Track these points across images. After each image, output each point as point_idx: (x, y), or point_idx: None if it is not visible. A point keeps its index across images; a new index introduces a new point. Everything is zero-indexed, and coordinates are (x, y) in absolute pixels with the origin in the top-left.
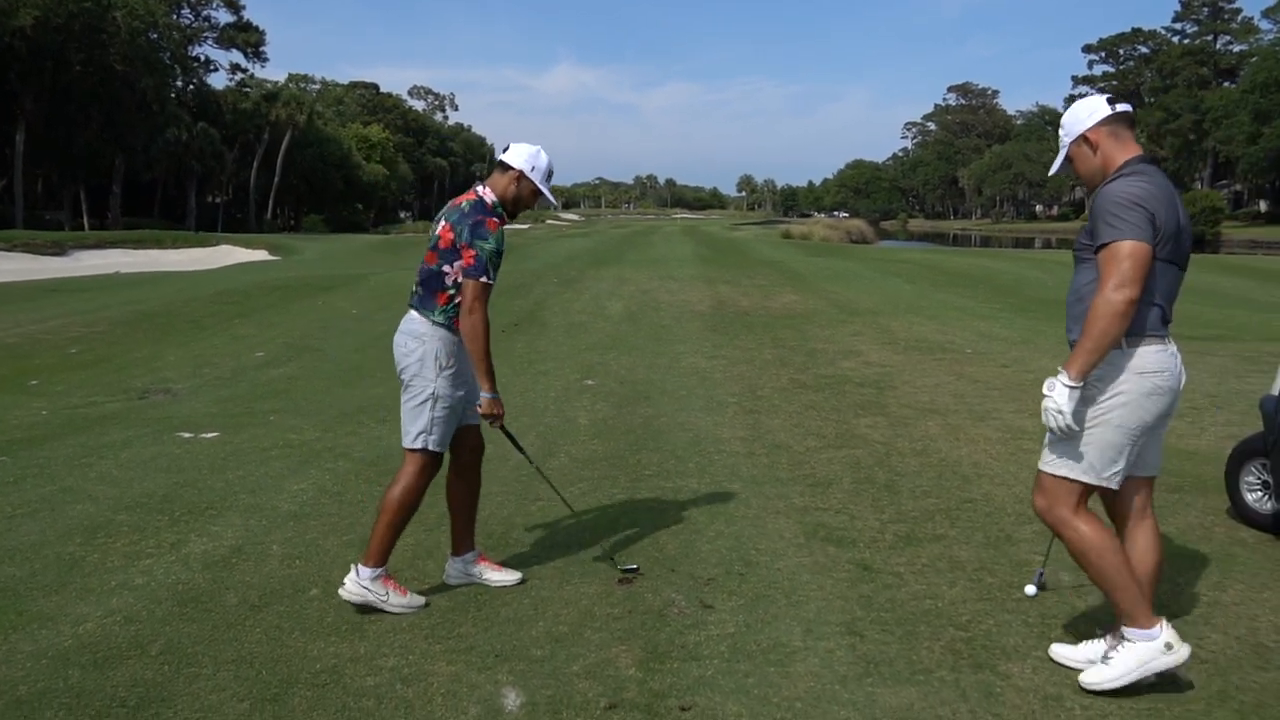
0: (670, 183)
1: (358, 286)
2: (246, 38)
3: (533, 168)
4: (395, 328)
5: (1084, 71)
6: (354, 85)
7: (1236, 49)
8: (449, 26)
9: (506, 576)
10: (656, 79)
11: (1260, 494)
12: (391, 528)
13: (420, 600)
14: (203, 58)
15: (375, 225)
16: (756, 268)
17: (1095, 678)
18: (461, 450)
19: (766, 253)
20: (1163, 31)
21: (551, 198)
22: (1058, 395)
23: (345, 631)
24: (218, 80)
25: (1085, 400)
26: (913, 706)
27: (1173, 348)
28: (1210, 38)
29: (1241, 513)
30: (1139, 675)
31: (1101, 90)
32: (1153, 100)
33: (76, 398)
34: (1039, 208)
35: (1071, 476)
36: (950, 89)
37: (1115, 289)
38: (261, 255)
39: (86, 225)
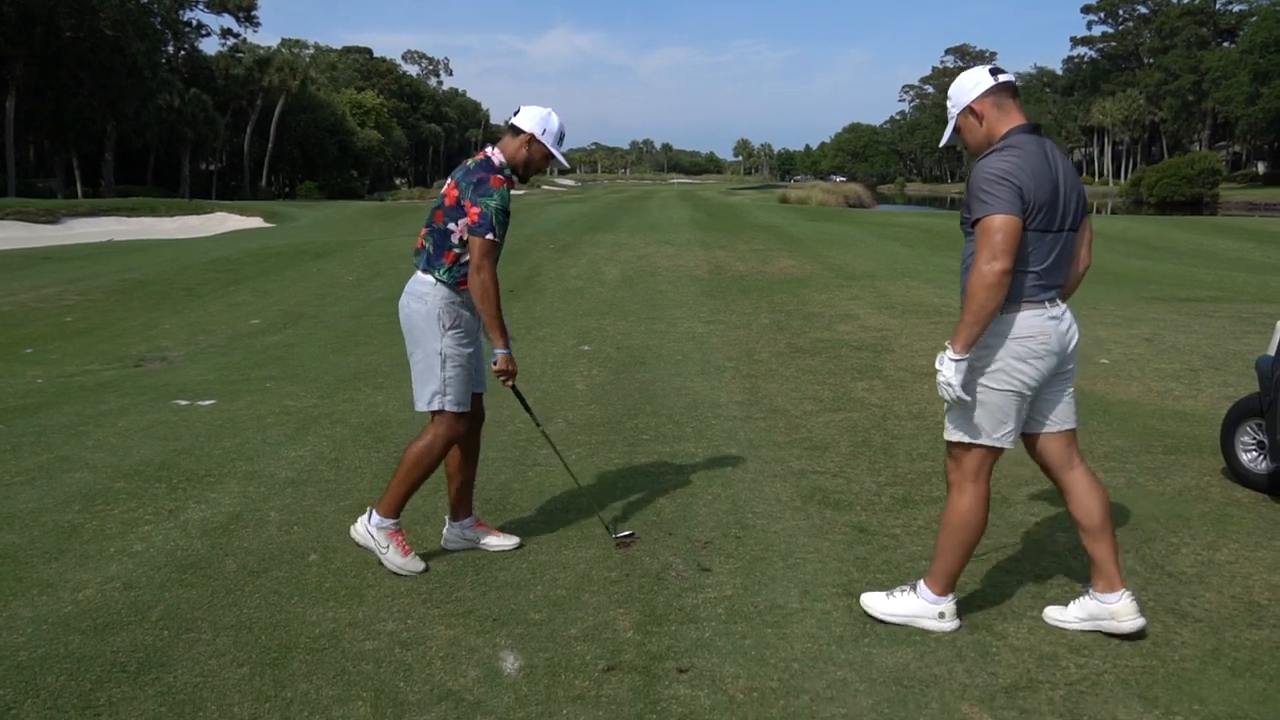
0: (667, 147)
1: (353, 253)
2: (238, 1)
3: (544, 130)
4: (391, 294)
5: (1082, 32)
6: (347, 50)
7: (1236, 9)
8: None
9: (504, 541)
10: (652, 41)
11: (1255, 454)
12: (405, 483)
13: (419, 565)
14: (194, 22)
15: (370, 192)
16: (753, 232)
17: (872, 601)
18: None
19: (763, 217)
20: None
21: (564, 160)
22: (945, 368)
23: (344, 596)
24: (209, 45)
25: (974, 369)
26: (909, 667)
27: (1054, 311)
28: None
29: (1237, 473)
30: (902, 621)
31: (1100, 52)
32: (1152, 61)
33: (72, 366)
34: None
35: (965, 441)
36: (948, 51)
37: (987, 262)
38: (256, 222)
39: (80, 192)
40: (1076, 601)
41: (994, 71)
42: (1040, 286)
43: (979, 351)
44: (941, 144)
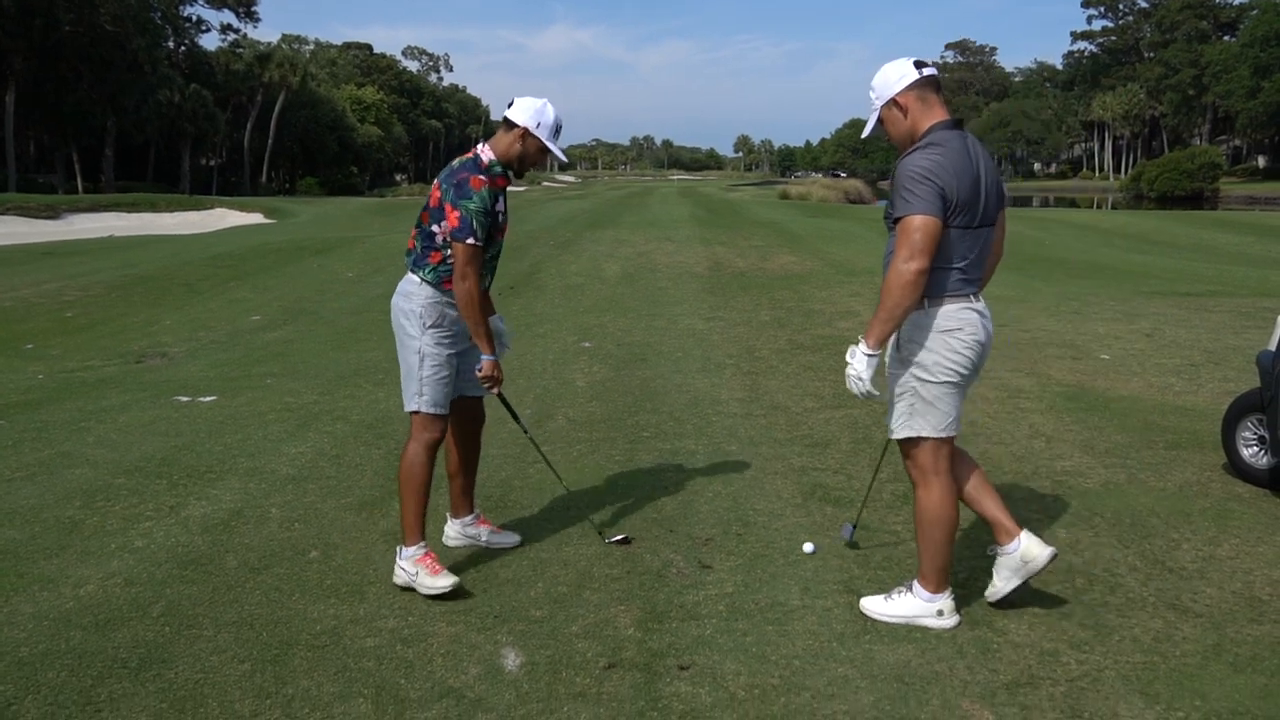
0: (667, 144)
1: (353, 249)
2: None
3: (538, 124)
4: (391, 290)
5: (1083, 26)
6: (347, 46)
7: (1237, 2)
8: None
9: (505, 539)
10: (653, 36)
11: (1256, 449)
12: (406, 503)
13: (446, 582)
14: (194, 18)
15: (370, 188)
16: (753, 229)
17: (871, 605)
18: (463, 420)
19: (763, 213)
20: None
21: (561, 154)
22: (857, 362)
23: (345, 593)
24: (209, 41)
25: (904, 363)
26: (910, 663)
27: (978, 305)
28: None
29: (1238, 468)
30: (903, 623)
31: (1101, 46)
32: (1152, 55)
33: (73, 361)
34: (1037, 166)
35: (915, 435)
36: (948, 46)
37: (905, 260)
38: (256, 218)
39: (80, 188)
40: (995, 570)
41: (918, 64)
42: (963, 281)
43: (911, 348)
44: (864, 135)
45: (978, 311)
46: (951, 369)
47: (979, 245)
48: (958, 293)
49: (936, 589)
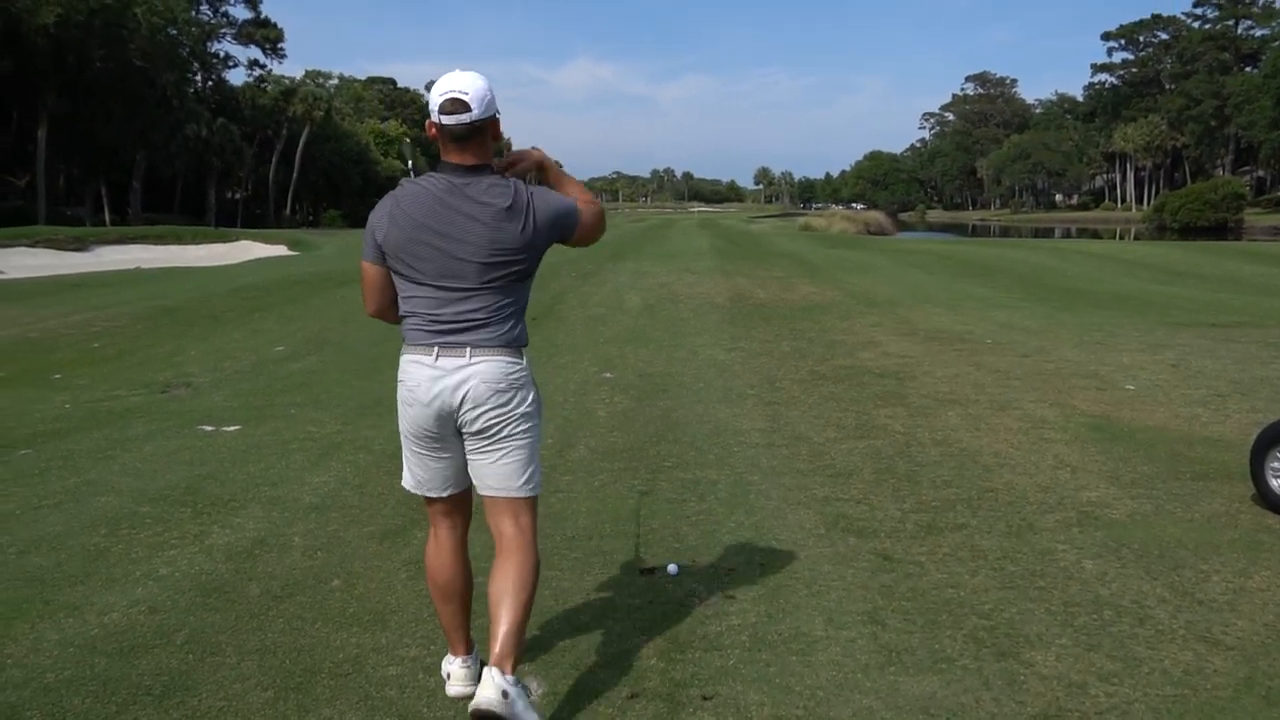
0: (687, 176)
1: None
2: (265, 34)
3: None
4: None
5: (1103, 58)
6: (372, 80)
7: (1258, 34)
8: (466, 20)
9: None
10: (673, 71)
11: None
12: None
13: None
14: (222, 54)
15: None
16: (773, 260)
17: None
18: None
19: (784, 245)
20: (1182, 17)
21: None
22: None
23: (367, 622)
24: (236, 76)
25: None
26: (935, 695)
27: (429, 358)
28: (1231, 22)
29: (1267, 499)
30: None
31: (1121, 78)
32: (1173, 86)
33: (99, 391)
34: (1059, 197)
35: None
36: (968, 78)
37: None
38: (281, 250)
39: (108, 221)
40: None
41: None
42: (426, 331)
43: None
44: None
45: (427, 367)
46: (402, 422)
47: (441, 297)
48: (412, 343)
49: (450, 650)
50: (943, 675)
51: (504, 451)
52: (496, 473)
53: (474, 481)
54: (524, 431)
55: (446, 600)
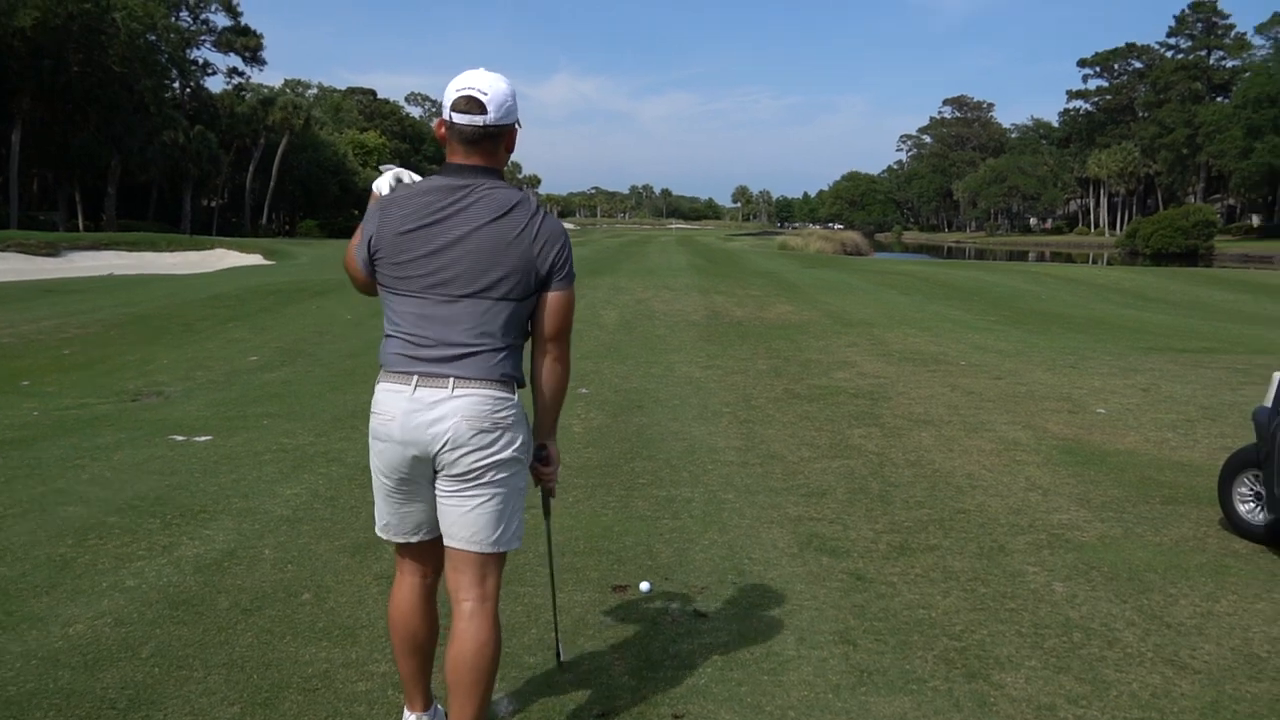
0: (666, 193)
1: (352, 292)
2: (245, 41)
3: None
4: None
5: (1078, 85)
6: (351, 91)
7: (1230, 64)
8: (448, 33)
9: None
10: (654, 87)
11: (1253, 505)
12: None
13: None
14: (201, 61)
15: None
16: (751, 278)
17: None
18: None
19: (761, 263)
20: (1156, 47)
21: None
22: None
23: (337, 636)
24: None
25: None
26: (906, 716)
27: (407, 388)
28: (1204, 53)
29: (1234, 524)
30: None
31: (1096, 105)
32: (1146, 115)
33: (69, 399)
34: (1033, 221)
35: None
36: (946, 101)
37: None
38: (256, 259)
39: (81, 226)
40: None
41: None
42: (406, 356)
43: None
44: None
45: (405, 397)
46: (372, 458)
47: (433, 315)
48: (389, 368)
49: (407, 705)
50: (913, 696)
51: (480, 499)
52: (467, 522)
53: (441, 529)
54: (504, 480)
55: (408, 654)
